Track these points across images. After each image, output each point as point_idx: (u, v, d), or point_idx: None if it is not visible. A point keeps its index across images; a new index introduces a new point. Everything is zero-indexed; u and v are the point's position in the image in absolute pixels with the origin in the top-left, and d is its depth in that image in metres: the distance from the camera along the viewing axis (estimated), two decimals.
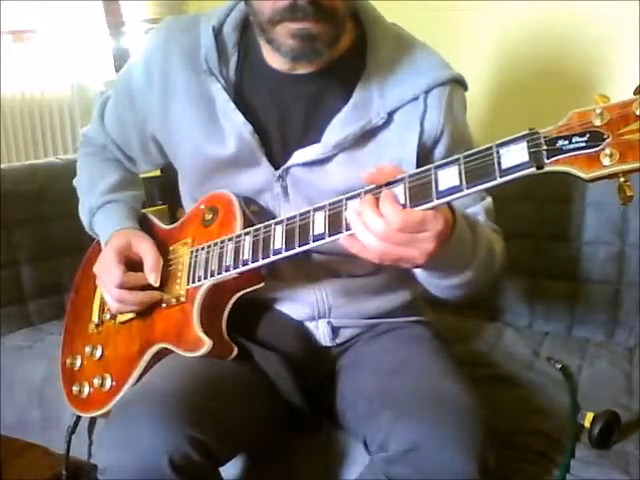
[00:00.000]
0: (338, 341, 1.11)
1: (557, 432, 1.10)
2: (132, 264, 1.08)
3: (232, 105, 1.02)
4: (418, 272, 0.94)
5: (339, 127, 1.00)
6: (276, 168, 1.04)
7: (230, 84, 1.05)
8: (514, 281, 1.58)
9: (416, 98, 1.00)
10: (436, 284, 0.96)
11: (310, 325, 1.10)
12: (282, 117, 1.04)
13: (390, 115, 1.00)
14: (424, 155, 1.01)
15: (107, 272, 1.06)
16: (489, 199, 1.07)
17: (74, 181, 1.25)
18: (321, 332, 1.10)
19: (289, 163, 1.03)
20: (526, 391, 1.26)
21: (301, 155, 1.02)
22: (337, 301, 1.08)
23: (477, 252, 0.91)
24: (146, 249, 1.08)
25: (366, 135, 1.01)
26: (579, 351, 1.44)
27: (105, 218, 1.15)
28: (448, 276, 0.92)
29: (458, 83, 1.04)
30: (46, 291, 1.63)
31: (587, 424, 1.08)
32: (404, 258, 0.81)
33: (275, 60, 1.02)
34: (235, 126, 1.02)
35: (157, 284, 1.06)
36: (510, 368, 1.35)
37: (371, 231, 0.79)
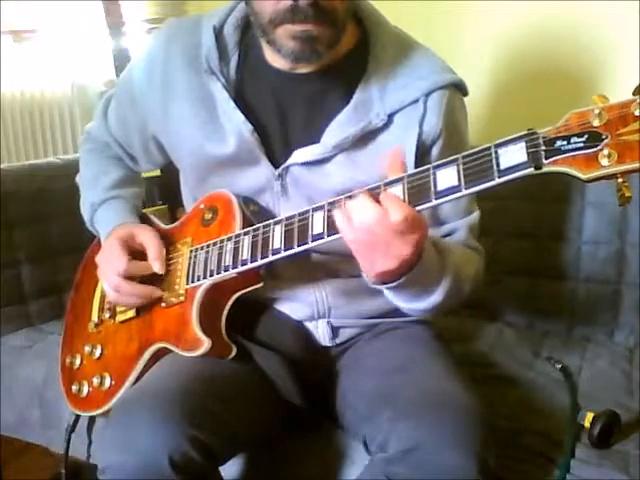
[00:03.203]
0: (338, 341, 1.11)
1: (557, 432, 1.10)
2: (134, 255, 1.07)
3: (232, 104, 1.03)
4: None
5: (339, 128, 1.00)
6: (276, 167, 1.04)
7: (231, 83, 1.05)
8: (514, 281, 1.57)
9: (416, 101, 1.00)
10: (400, 306, 0.96)
11: (310, 325, 1.10)
12: (282, 116, 1.04)
13: (390, 117, 1.00)
14: (421, 157, 1.01)
15: (111, 260, 1.06)
16: (476, 214, 1.07)
17: (76, 177, 1.26)
18: (321, 332, 1.10)
19: (289, 162, 1.03)
20: (526, 391, 1.26)
21: (301, 155, 1.02)
22: (337, 301, 1.08)
23: (443, 280, 0.92)
24: (149, 239, 1.08)
25: (366, 136, 1.01)
26: (579, 351, 1.44)
27: (107, 214, 1.15)
28: (412, 301, 0.93)
29: (457, 88, 1.04)
30: (46, 291, 1.62)
31: (587, 424, 1.08)
32: (380, 251, 0.81)
33: (276, 60, 1.02)
34: (235, 125, 1.02)
35: (162, 272, 1.06)
36: (510, 368, 1.35)
37: (363, 212, 0.80)
